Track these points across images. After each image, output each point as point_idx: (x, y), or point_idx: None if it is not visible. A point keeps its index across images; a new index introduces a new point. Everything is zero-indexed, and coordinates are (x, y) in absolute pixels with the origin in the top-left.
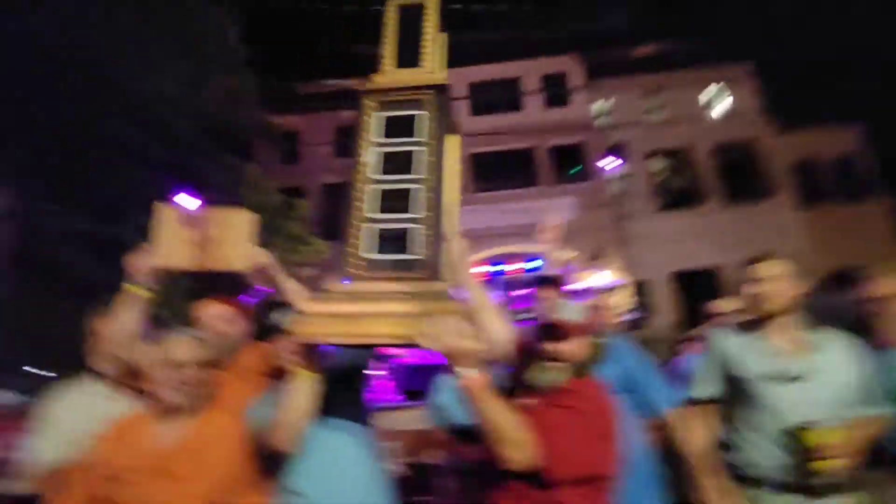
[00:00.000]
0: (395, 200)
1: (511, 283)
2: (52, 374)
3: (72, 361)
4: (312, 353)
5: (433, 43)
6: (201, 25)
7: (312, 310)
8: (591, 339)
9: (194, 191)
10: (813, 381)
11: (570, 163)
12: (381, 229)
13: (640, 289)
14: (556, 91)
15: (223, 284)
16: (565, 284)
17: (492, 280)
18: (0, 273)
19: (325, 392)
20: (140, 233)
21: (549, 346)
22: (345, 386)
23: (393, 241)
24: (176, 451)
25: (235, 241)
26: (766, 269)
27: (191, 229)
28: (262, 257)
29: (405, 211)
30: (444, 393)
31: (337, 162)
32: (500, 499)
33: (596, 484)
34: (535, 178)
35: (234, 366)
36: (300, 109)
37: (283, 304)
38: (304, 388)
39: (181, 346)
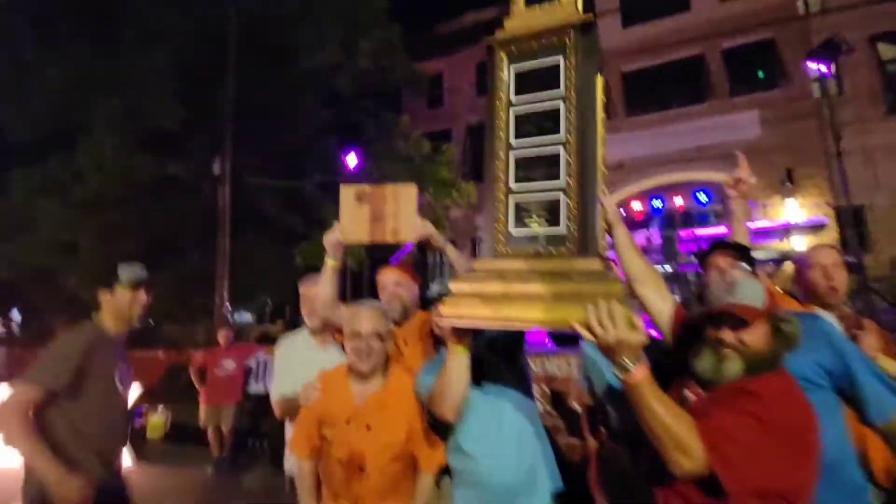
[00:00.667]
0: (538, 167)
1: (674, 220)
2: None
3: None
4: (464, 332)
5: None
6: None
7: (459, 290)
8: (779, 327)
9: (358, 147)
10: None
11: (752, 68)
12: (524, 201)
13: (855, 217)
14: None
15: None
16: (746, 253)
17: (650, 218)
18: (222, 227)
19: (488, 360)
20: (318, 186)
21: (725, 335)
22: (506, 355)
23: (539, 213)
24: (370, 406)
25: (405, 214)
26: None
27: (366, 205)
28: (429, 229)
29: (550, 178)
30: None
31: (480, 101)
32: (667, 499)
33: (784, 499)
34: (706, 92)
35: (411, 327)
36: (441, 51)
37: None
38: (457, 364)
39: (364, 319)
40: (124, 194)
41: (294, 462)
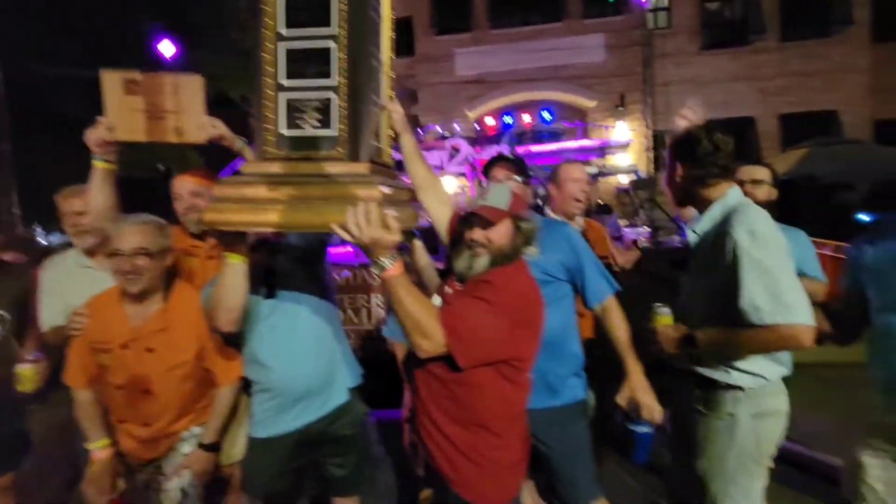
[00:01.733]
0: (311, 62)
1: (522, 137)
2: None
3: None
4: (235, 239)
5: None
6: None
7: (223, 194)
8: (520, 226)
9: (177, 35)
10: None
11: None
12: (297, 99)
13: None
14: None
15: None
16: (521, 166)
17: (501, 134)
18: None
19: (283, 269)
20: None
21: (475, 234)
22: (304, 263)
23: (314, 109)
24: (149, 327)
25: (189, 110)
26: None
27: (140, 97)
28: (221, 129)
29: (322, 76)
30: None
31: None
32: (420, 381)
33: (508, 365)
34: (562, 12)
35: (208, 241)
36: None
37: None
38: (230, 272)
39: (126, 235)
40: None
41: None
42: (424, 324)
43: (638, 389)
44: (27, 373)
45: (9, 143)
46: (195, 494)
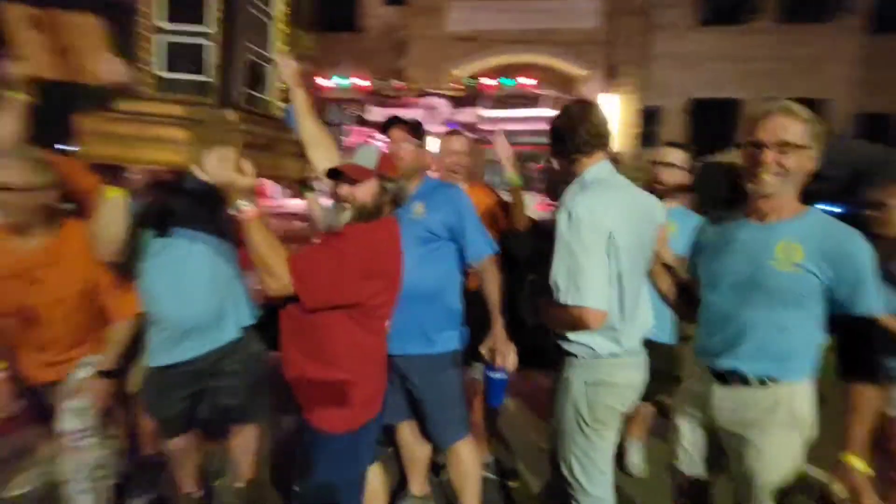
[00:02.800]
0: (188, 8)
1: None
2: None
3: None
4: (112, 173)
5: None
6: None
7: (98, 129)
8: (385, 185)
9: None
10: None
11: None
12: (171, 43)
13: (652, 117)
14: None
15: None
16: (417, 128)
17: (475, 96)
18: None
19: (181, 209)
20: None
21: (342, 190)
22: (202, 204)
23: (186, 57)
24: (36, 260)
25: (91, 50)
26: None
27: (45, 34)
28: (124, 73)
29: (197, 22)
30: None
31: None
32: (283, 321)
33: (359, 309)
34: None
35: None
36: None
37: None
38: (109, 206)
39: (3, 170)
40: None
41: None
42: (272, 265)
43: (498, 340)
44: None
45: None
46: (92, 415)
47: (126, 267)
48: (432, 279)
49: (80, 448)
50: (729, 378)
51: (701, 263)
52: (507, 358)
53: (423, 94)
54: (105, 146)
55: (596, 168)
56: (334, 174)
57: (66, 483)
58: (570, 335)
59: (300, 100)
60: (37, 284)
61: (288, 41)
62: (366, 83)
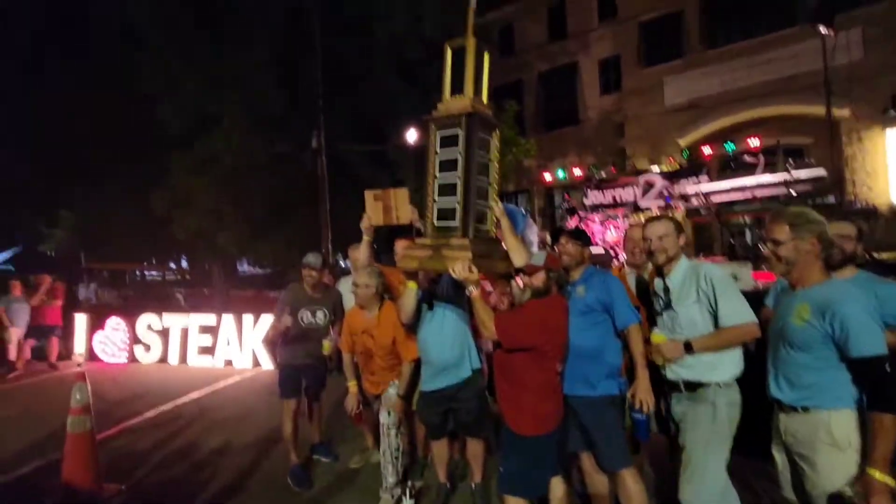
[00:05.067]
0: (448, 189)
1: (723, 166)
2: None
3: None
4: (411, 274)
5: (471, 74)
6: None
7: (406, 252)
8: (550, 275)
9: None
10: (667, 312)
11: None
12: (440, 207)
13: None
14: None
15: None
16: (577, 234)
17: (696, 165)
18: (322, 194)
19: (440, 291)
20: (396, 148)
21: (520, 279)
22: (451, 289)
23: (448, 212)
24: (373, 324)
25: (402, 206)
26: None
27: (380, 202)
28: (415, 215)
29: (453, 195)
30: None
31: (551, 47)
32: (495, 361)
33: (534, 352)
34: (794, 14)
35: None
36: None
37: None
38: (407, 292)
39: (362, 276)
40: (249, 170)
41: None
42: (485, 321)
43: (640, 388)
44: (329, 344)
45: (327, 201)
46: (396, 420)
47: (412, 327)
48: (593, 340)
49: (389, 435)
50: (779, 406)
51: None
52: (646, 402)
53: (640, 171)
54: (408, 261)
55: None
56: (520, 270)
57: (382, 458)
58: (718, 367)
59: (504, 225)
60: (372, 337)
61: (524, 148)
62: (579, 172)
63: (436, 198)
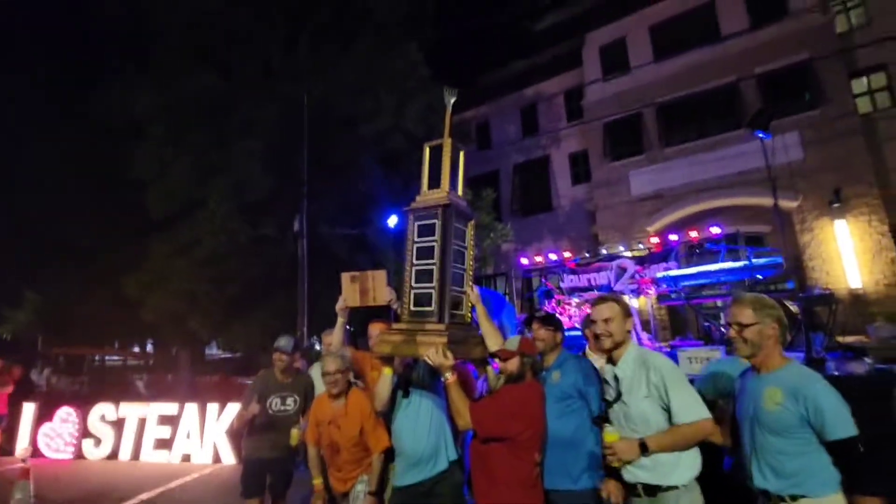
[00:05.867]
0: (424, 276)
1: (689, 252)
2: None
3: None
4: (386, 360)
5: (447, 169)
6: (400, 62)
7: (381, 338)
8: (524, 360)
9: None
10: (618, 404)
11: (790, 91)
12: (416, 293)
13: None
14: (767, 4)
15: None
16: (552, 321)
17: (668, 251)
18: (301, 277)
19: (416, 377)
20: (376, 232)
21: (498, 364)
22: (427, 376)
23: (424, 298)
24: (340, 413)
25: (379, 288)
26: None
27: (357, 283)
28: (392, 295)
29: (429, 282)
30: None
31: (525, 142)
32: (470, 452)
33: (511, 442)
34: (740, 119)
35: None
36: (487, 99)
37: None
38: (383, 378)
39: (329, 363)
40: (229, 252)
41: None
42: (461, 410)
43: (610, 484)
44: (297, 433)
45: (305, 283)
46: None
47: (385, 416)
48: (570, 428)
49: None
50: (766, 496)
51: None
52: (616, 495)
53: (613, 257)
54: (383, 345)
55: None
56: (494, 356)
57: None
58: (677, 468)
59: (479, 311)
60: (339, 427)
61: (500, 233)
62: (554, 257)
63: (413, 284)
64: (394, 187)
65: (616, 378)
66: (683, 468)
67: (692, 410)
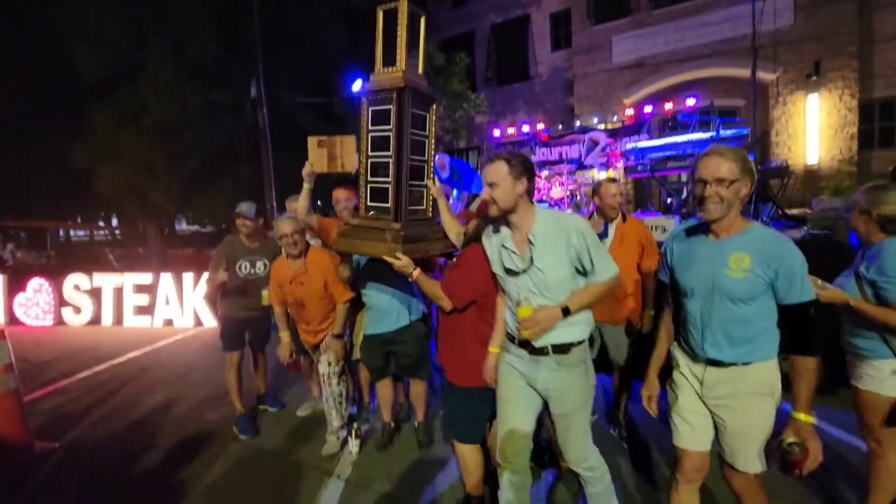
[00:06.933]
0: (380, 169)
1: (662, 125)
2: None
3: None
4: (346, 255)
5: (404, 42)
6: None
7: (342, 231)
8: (481, 221)
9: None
10: (530, 272)
11: None
12: (372, 187)
13: (882, 110)
14: None
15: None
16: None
17: (641, 124)
18: (265, 147)
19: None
20: (344, 101)
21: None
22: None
23: (380, 193)
24: (300, 271)
25: (348, 155)
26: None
27: (325, 148)
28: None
29: (385, 176)
30: None
31: None
32: (441, 320)
33: (479, 306)
34: None
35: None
36: None
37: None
38: (342, 271)
39: (285, 225)
40: (182, 121)
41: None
42: (437, 294)
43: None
44: (267, 294)
45: (269, 155)
46: (337, 368)
47: (351, 281)
48: None
49: (331, 384)
50: (715, 363)
51: (675, 276)
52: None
53: (587, 129)
54: (342, 244)
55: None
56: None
57: (325, 405)
58: (580, 324)
59: (441, 204)
60: (302, 284)
61: (474, 103)
62: (527, 129)
63: (369, 178)
64: (362, 51)
65: (530, 243)
66: (584, 324)
67: (609, 268)
